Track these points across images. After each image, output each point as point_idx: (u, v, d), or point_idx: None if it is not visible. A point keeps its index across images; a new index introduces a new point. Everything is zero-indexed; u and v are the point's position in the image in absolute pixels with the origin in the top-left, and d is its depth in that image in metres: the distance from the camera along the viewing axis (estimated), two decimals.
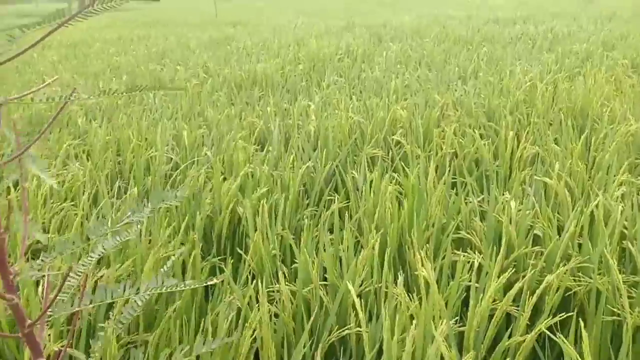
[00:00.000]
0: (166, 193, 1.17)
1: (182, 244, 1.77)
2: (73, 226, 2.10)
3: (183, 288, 1.21)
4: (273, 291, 1.57)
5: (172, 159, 2.79)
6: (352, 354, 1.49)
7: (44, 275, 1.29)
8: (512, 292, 1.44)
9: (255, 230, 1.70)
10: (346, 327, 1.46)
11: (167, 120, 3.48)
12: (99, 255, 1.17)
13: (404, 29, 9.01)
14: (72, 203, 2.30)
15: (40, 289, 1.46)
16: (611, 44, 6.37)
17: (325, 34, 8.77)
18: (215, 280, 1.47)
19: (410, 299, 1.42)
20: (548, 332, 1.38)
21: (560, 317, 1.43)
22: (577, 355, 1.19)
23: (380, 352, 1.37)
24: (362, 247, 1.75)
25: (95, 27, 13.11)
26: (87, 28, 12.67)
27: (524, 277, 1.63)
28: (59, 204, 2.23)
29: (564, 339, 1.27)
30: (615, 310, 1.49)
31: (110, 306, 1.50)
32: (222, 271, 1.55)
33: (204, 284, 1.29)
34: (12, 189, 2.24)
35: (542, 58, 5.37)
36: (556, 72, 4.47)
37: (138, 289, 1.10)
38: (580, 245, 1.71)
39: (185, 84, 4.69)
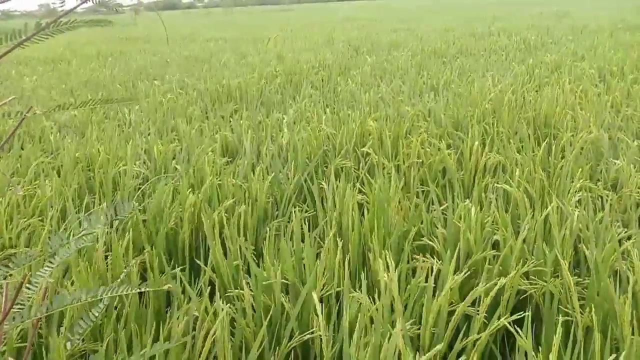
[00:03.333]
0: (121, 205, 1.19)
1: (136, 256, 1.78)
2: (40, 241, 2.10)
3: (136, 291, 1.22)
4: (234, 300, 1.59)
5: (142, 173, 2.80)
6: (316, 358, 1.51)
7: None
8: (471, 293, 1.47)
9: (217, 241, 1.72)
10: (308, 332, 1.48)
11: (139, 135, 3.49)
12: (55, 265, 1.18)
13: (381, 43, 9.15)
14: (40, 218, 2.30)
15: None
16: (580, 55, 6.54)
17: (303, 49, 8.86)
18: (168, 286, 1.49)
19: (372, 302, 1.45)
20: (509, 327, 1.42)
21: (518, 315, 1.47)
22: (532, 348, 1.23)
23: (340, 355, 1.39)
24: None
25: (75, 42, 13.06)
26: (67, 43, 12.62)
27: (483, 281, 1.67)
28: (25, 219, 2.22)
29: (519, 331, 1.30)
30: (567, 311, 1.53)
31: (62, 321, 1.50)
32: (181, 282, 1.57)
33: (156, 289, 1.30)
34: None
35: (513, 69, 5.50)
36: (525, 83, 4.58)
37: (95, 294, 1.12)
38: (534, 249, 1.75)
39: (160, 99, 4.70)
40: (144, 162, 2.97)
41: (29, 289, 1.18)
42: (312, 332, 1.45)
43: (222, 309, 1.32)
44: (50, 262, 1.19)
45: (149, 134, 3.51)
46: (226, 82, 5.35)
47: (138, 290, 1.23)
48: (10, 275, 1.13)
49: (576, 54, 6.68)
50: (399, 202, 2.02)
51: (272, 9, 41.23)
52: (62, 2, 0.82)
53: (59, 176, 2.73)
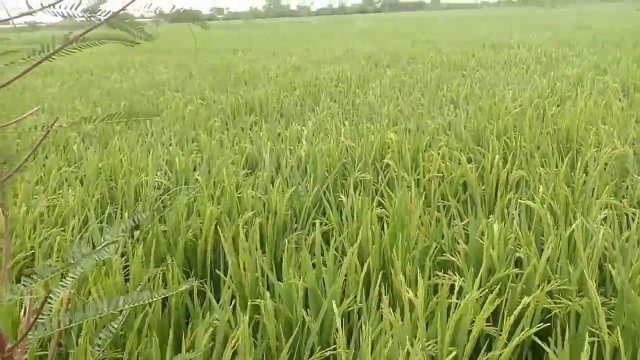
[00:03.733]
0: (140, 215, 1.20)
1: (157, 267, 1.79)
2: (60, 251, 2.12)
3: (157, 298, 1.22)
4: (254, 313, 1.59)
5: (163, 183, 2.82)
6: None
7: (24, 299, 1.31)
8: (488, 306, 1.44)
9: (237, 253, 1.72)
10: (329, 349, 1.47)
11: (161, 145, 3.53)
12: (76, 275, 1.19)
13: (400, 55, 9.15)
14: (62, 228, 2.33)
15: (22, 312, 1.47)
16: (603, 68, 6.46)
17: (322, 62, 8.90)
18: (186, 286, 1.49)
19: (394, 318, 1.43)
20: (536, 340, 1.39)
21: (538, 327, 1.44)
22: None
23: None
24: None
25: (97, 53, 13.32)
26: (90, 54, 12.88)
27: (506, 300, 1.65)
28: (48, 229, 2.25)
29: (546, 347, 1.28)
30: (594, 331, 1.49)
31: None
32: (202, 293, 1.57)
33: (175, 292, 1.30)
34: None
35: (534, 82, 5.45)
36: (547, 97, 4.53)
37: (117, 303, 1.13)
38: (560, 267, 1.72)
39: (181, 110, 4.76)
40: (165, 173, 3.00)
41: (50, 299, 1.19)
42: (334, 349, 1.44)
43: (243, 320, 1.32)
44: (72, 273, 1.20)
45: (170, 145, 3.55)
46: (246, 94, 5.39)
47: (160, 297, 1.23)
48: (32, 287, 1.15)
49: (598, 67, 6.59)
50: (420, 216, 2.00)
51: (290, 21, 41.64)
52: (88, 16, 0.83)
53: (81, 185, 2.77)
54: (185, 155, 3.15)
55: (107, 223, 2.43)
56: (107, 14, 0.67)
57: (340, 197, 2.39)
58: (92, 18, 0.68)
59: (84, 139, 4.00)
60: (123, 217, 2.47)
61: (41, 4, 0.63)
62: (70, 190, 2.62)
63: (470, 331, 1.41)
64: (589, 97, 4.21)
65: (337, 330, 1.49)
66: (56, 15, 0.65)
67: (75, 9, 0.66)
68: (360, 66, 7.83)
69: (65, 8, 0.66)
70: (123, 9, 0.68)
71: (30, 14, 0.63)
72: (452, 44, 11.33)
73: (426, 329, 1.37)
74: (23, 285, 1.07)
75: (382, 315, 1.43)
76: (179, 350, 1.45)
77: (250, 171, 3.03)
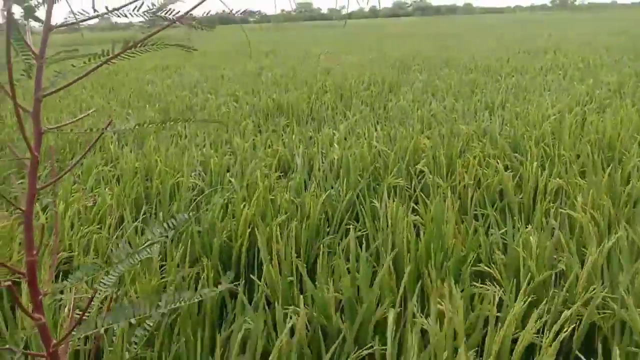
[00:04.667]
0: (180, 216, 1.21)
1: (191, 267, 1.80)
2: (98, 249, 2.16)
3: (196, 299, 1.22)
4: (289, 317, 1.58)
5: (197, 185, 2.85)
6: None
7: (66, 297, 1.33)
8: (533, 324, 1.40)
9: (271, 257, 1.72)
10: (368, 346, 1.44)
11: (195, 147, 3.57)
12: (117, 274, 1.21)
13: (432, 59, 9.06)
14: (98, 226, 2.37)
15: (66, 310, 1.50)
16: None
17: (354, 65, 8.89)
18: (224, 284, 1.49)
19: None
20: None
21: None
22: None
23: None
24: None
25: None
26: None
27: (548, 311, 1.60)
28: (86, 227, 2.30)
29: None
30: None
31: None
32: (236, 296, 1.57)
33: (213, 292, 1.30)
34: (41, 213, 2.32)
35: (572, 89, 5.31)
36: (586, 104, 4.41)
37: (158, 305, 1.13)
38: (603, 278, 1.66)
39: (216, 114, 4.81)
40: (199, 174, 3.03)
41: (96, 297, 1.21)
42: (371, 347, 1.41)
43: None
44: (113, 272, 1.22)
45: (204, 146, 3.58)
46: (278, 97, 5.42)
47: (199, 298, 1.23)
48: (73, 285, 1.16)
49: (639, 73, 6.38)
50: (455, 223, 1.96)
51: (321, 24, 41.75)
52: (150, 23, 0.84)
53: (118, 185, 2.82)
54: (219, 157, 3.17)
55: (142, 223, 2.47)
56: (176, 13, 0.68)
57: (374, 202, 2.37)
58: (158, 17, 0.68)
59: (119, 139, 4.08)
60: (157, 216, 2.50)
61: (106, 7, 0.64)
62: (107, 189, 2.67)
63: (514, 341, 1.38)
64: (631, 105, 4.08)
65: (374, 336, 1.47)
66: (119, 17, 0.66)
67: (138, 10, 0.67)
68: (391, 70, 7.78)
69: (129, 9, 0.66)
70: (190, 10, 0.68)
71: (97, 17, 0.64)
72: (486, 49, 11.16)
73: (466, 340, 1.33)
74: (68, 282, 1.09)
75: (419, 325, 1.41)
76: (212, 351, 1.45)
77: (282, 174, 3.03)
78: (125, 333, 1.50)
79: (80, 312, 1.04)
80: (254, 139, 3.68)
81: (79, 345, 1.56)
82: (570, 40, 12.65)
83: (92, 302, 1.18)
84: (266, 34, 26.59)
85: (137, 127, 0.87)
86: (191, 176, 2.85)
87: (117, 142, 3.88)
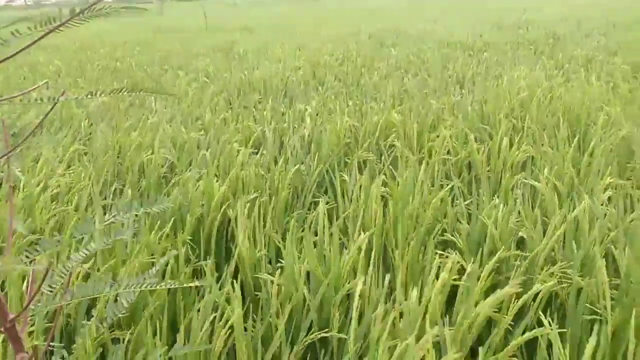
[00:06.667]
0: (161, 199, 1.19)
1: (169, 246, 1.79)
2: (68, 227, 2.13)
3: (164, 287, 1.23)
4: (259, 290, 1.59)
5: (169, 161, 2.82)
6: (334, 353, 1.51)
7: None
8: (496, 295, 1.44)
9: (246, 230, 1.73)
10: (325, 330, 1.47)
11: (166, 123, 3.52)
12: (85, 254, 1.19)
13: (407, 35, 9.04)
14: (69, 207, 2.34)
15: (24, 285, 1.49)
16: (613, 50, 6.36)
17: (328, 40, 8.81)
18: (195, 283, 1.49)
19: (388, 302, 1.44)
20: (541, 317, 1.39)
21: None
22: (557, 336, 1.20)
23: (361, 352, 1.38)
24: (345, 247, 1.76)
25: (103, 31, 13.25)
26: (96, 32, 12.82)
27: (507, 278, 1.65)
28: (58, 206, 2.26)
29: (549, 322, 1.28)
30: (597, 310, 1.50)
31: (93, 305, 1.52)
32: (205, 273, 1.58)
33: (183, 285, 1.31)
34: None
35: (541, 64, 5.37)
36: (554, 78, 4.48)
37: (119, 285, 1.13)
38: (564, 247, 1.71)
39: (185, 89, 4.73)
40: (170, 151, 2.99)
41: (62, 274, 1.19)
42: (329, 330, 1.44)
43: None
44: (82, 251, 1.20)
45: (172, 121, 3.54)
46: (250, 73, 5.35)
47: (166, 286, 1.22)
48: (35, 260, 1.15)
49: (608, 48, 6.49)
50: (422, 194, 1.99)
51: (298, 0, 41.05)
52: None
53: (88, 163, 2.77)
54: (190, 133, 3.14)
55: (112, 200, 2.44)
56: None
57: (344, 177, 2.38)
58: None
59: (88, 116, 3.99)
60: (126, 194, 2.47)
61: None
62: (80, 167, 2.63)
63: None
64: (597, 78, 4.16)
65: (338, 309, 1.50)
66: None
67: None
68: (365, 46, 7.74)
69: None
70: None
71: None
72: (460, 24, 11.17)
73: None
74: (26, 256, 1.07)
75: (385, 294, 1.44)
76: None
77: (254, 150, 3.02)
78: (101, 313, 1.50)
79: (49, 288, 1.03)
80: (224, 115, 3.64)
81: (46, 322, 1.55)
82: (545, 14, 12.74)
83: (54, 279, 1.18)
84: (241, 9, 26.09)
85: (89, 96, 0.85)
86: (159, 152, 2.81)
87: (87, 120, 3.81)
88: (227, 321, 1.36)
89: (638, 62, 5.17)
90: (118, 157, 2.97)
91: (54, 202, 2.31)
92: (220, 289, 1.49)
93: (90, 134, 3.42)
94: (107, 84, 5.43)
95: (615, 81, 4.17)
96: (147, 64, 6.77)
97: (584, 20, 10.37)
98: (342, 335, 1.36)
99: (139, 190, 2.56)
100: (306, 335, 1.40)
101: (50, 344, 1.16)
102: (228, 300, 1.43)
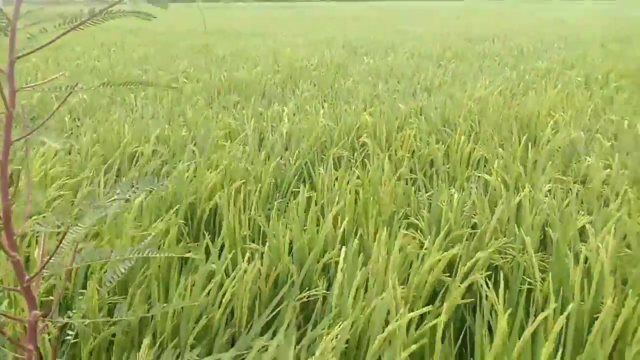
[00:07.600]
0: (155, 181, 1.40)
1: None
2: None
3: (161, 255, 1.44)
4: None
5: (158, 155, 3.02)
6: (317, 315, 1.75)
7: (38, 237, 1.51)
8: (447, 254, 1.71)
9: (235, 212, 1.96)
10: (307, 292, 1.71)
11: (149, 119, 3.71)
12: (87, 225, 1.38)
13: (379, 44, 9.39)
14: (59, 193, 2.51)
15: (36, 252, 1.68)
16: (570, 63, 6.82)
17: (303, 46, 9.09)
18: (191, 254, 1.71)
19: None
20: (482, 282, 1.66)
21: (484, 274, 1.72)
22: (496, 299, 1.47)
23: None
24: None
25: (80, 32, 13.18)
26: (72, 33, 12.74)
27: (461, 256, 1.92)
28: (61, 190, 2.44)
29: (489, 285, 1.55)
30: (530, 280, 1.78)
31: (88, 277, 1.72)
32: (197, 250, 1.80)
33: (181, 255, 1.52)
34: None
35: (504, 74, 5.76)
36: (514, 87, 4.84)
37: (122, 254, 1.33)
38: (507, 228, 2.00)
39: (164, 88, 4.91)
40: (155, 145, 3.19)
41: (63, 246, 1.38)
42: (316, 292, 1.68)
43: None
44: (83, 223, 1.39)
45: (156, 119, 3.73)
46: (228, 75, 5.57)
47: (164, 254, 1.41)
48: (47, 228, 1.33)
49: (566, 61, 6.95)
50: (388, 183, 2.26)
51: (272, 6, 41.37)
52: None
53: (69, 154, 2.93)
54: (175, 129, 3.34)
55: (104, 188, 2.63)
56: None
57: (320, 170, 2.63)
58: None
59: (70, 112, 4.14)
60: (130, 178, 2.66)
61: None
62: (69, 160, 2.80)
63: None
64: (553, 88, 4.53)
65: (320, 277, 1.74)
66: None
67: None
68: (339, 53, 8.04)
69: None
70: None
71: None
72: (431, 35, 11.62)
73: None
74: (38, 224, 1.24)
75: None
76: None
77: (239, 145, 3.24)
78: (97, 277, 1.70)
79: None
80: (205, 114, 3.85)
81: (44, 295, 1.73)
82: (511, 30, 13.33)
83: (62, 248, 1.36)
84: (217, 12, 26.18)
85: (102, 86, 1.05)
86: (145, 147, 3.00)
87: (69, 115, 3.95)
88: (221, 285, 1.59)
89: (591, 75, 5.60)
90: (103, 153, 3.14)
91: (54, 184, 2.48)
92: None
93: (71, 129, 3.57)
94: (87, 82, 5.55)
95: (570, 91, 4.55)
96: (126, 64, 6.90)
97: (546, 36, 10.93)
98: (327, 292, 1.61)
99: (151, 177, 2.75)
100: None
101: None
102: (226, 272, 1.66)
